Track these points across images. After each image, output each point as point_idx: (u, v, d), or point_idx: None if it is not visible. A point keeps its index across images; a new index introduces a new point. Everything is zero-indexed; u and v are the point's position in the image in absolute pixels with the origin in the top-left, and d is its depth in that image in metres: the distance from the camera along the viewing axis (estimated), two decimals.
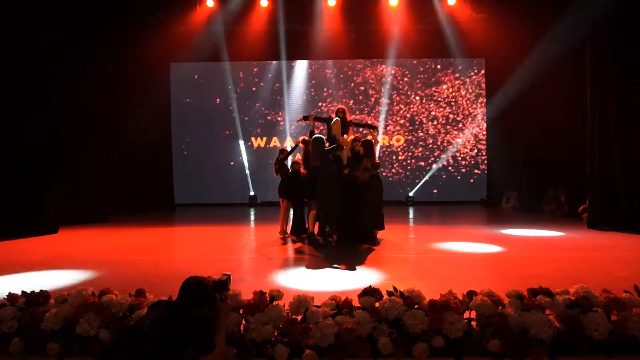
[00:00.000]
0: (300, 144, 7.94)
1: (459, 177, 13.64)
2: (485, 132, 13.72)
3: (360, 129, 9.34)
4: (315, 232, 7.55)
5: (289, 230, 8.38)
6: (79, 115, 10.18)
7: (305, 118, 8.04)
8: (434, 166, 13.52)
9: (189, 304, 2.58)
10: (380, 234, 7.86)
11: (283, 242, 7.87)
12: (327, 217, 7.25)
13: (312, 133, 7.70)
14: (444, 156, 13.57)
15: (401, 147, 13.45)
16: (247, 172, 13.86)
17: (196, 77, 13.85)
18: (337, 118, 7.56)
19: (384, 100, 13.46)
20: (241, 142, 13.85)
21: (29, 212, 8.75)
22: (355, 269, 5.81)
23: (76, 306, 3.33)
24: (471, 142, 13.69)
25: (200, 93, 13.82)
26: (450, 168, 13.64)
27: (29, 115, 8.82)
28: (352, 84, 13.73)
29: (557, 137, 11.45)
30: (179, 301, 2.63)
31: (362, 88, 13.69)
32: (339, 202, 7.05)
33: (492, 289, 3.39)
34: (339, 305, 3.33)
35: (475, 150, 13.74)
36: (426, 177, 13.51)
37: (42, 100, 8.91)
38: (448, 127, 13.65)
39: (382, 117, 13.02)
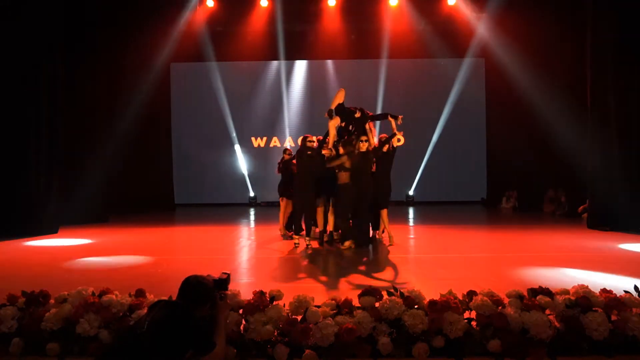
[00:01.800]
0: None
1: (458, 177, 13.63)
2: (485, 132, 13.72)
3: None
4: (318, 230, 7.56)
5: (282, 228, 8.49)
6: (79, 115, 10.18)
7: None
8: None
9: (188, 304, 2.58)
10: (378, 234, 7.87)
11: (283, 240, 7.88)
12: (305, 216, 7.29)
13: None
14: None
15: (401, 147, 13.38)
16: (246, 173, 13.84)
17: (196, 77, 13.84)
18: (336, 117, 7.43)
19: (384, 100, 13.44)
20: (240, 143, 13.85)
21: (29, 212, 8.75)
22: (355, 269, 5.81)
23: (76, 306, 3.32)
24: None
25: (200, 93, 13.82)
26: (450, 168, 13.64)
27: (29, 116, 8.81)
28: (352, 84, 13.67)
29: (557, 137, 11.44)
30: (178, 301, 2.63)
31: (361, 88, 13.65)
32: (311, 202, 7.13)
33: (492, 289, 3.39)
34: (339, 305, 3.33)
35: (476, 150, 13.73)
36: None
37: (42, 100, 8.90)
38: (448, 127, 13.63)
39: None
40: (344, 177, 6.91)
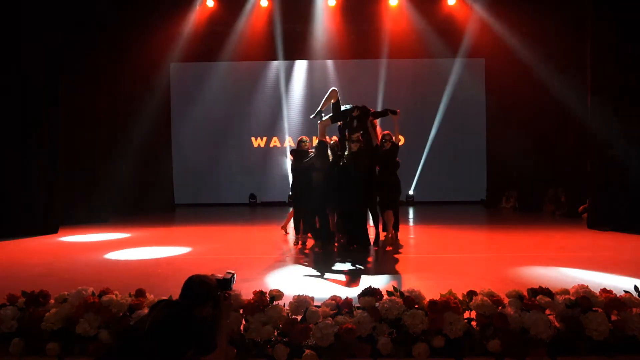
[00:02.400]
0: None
1: (458, 177, 13.62)
2: (485, 132, 13.72)
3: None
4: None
5: (287, 228, 8.50)
6: (79, 115, 10.18)
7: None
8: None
9: (190, 303, 2.57)
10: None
11: (286, 241, 7.89)
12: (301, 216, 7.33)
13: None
14: (438, 149, 13.57)
15: (402, 147, 13.36)
16: (245, 174, 13.80)
17: (196, 77, 13.83)
18: (327, 117, 7.30)
19: (384, 101, 13.43)
20: (240, 143, 13.84)
21: (29, 212, 8.75)
22: (355, 269, 5.82)
23: (76, 306, 3.33)
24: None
25: (200, 93, 13.81)
26: (450, 168, 13.63)
27: (29, 115, 8.81)
28: (352, 84, 13.68)
29: (558, 137, 11.46)
30: (180, 300, 2.62)
31: (361, 88, 13.64)
32: (308, 204, 7.14)
33: (492, 289, 3.40)
34: (339, 305, 3.34)
35: (475, 150, 13.72)
36: (421, 170, 13.49)
37: (42, 100, 8.90)
38: (448, 127, 13.63)
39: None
40: (317, 177, 6.93)
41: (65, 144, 9.50)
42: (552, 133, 11.58)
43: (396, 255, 6.68)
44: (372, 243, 7.18)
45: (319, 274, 5.60)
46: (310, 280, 5.28)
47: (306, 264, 6.21)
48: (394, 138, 7.25)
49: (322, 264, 6.15)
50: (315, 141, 9.36)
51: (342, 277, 5.41)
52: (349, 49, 13.23)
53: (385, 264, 6.20)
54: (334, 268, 5.91)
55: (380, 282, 5.05)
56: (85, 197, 10.28)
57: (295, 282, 5.17)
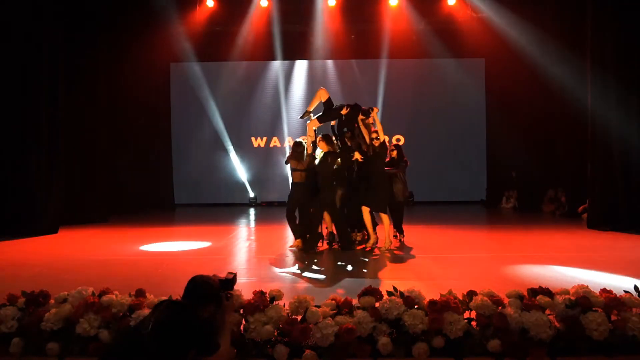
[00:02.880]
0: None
1: (458, 177, 13.62)
2: (485, 132, 13.72)
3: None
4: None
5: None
6: (79, 115, 10.18)
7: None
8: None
9: (193, 304, 2.57)
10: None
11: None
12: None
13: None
14: (439, 152, 13.56)
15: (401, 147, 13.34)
16: (245, 173, 13.80)
17: (196, 77, 13.81)
18: (315, 116, 7.23)
19: (384, 101, 13.43)
20: (240, 143, 13.83)
21: (29, 212, 8.75)
22: (355, 269, 5.82)
23: (76, 306, 3.33)
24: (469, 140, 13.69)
25: (200, 93, 13.80)
26: (450, 168, 13.63)
27: (29, 116, 8.81)
28: (352, 84, 13.69)
29: (558, 137, 11.44)
30: (183, 300, 2.62)
31: (361, 88, 13.66)
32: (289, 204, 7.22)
33: (492, 289, 3.40)
34: (339, 305, 3.34)
35: (475, 150, 13.73)
36: (420, 170, 13.47)
37: (42, 100, 8.89)
38: (448, 127, 13.63)
39: (379, 117, 12.98)
40: (294, 176, 7.03)
41: (65, 144, 9.50)
42: (552, 133, 11.56)
43: (396, 256, 6.68)
44: (361, 244, 7.20)
45: (319, 274, 5.60)
46: (311, 280, 5.28)
47: (306, 263, 6.21)
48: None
49: (322, 264, 6.15)
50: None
51: (342, 278, 5.41)
52: (349, 49, 13.22)
53: (385, 265, 6.19)
54: (333, 268, 5.90)
55: (380, 282, 5.05)
56: (85, 197, 10.27)
57: (295, 282, 5.17)
